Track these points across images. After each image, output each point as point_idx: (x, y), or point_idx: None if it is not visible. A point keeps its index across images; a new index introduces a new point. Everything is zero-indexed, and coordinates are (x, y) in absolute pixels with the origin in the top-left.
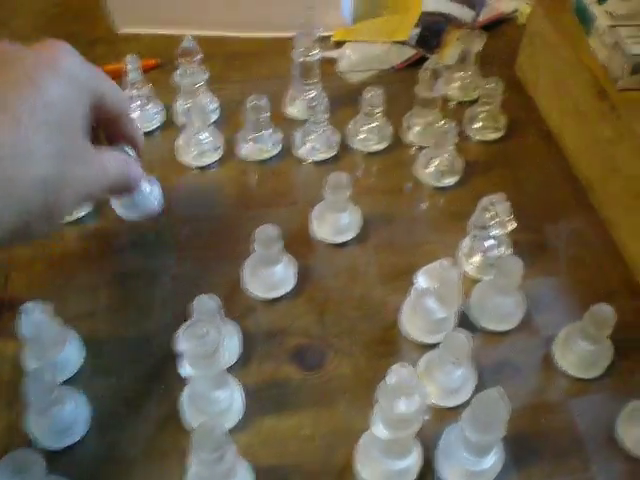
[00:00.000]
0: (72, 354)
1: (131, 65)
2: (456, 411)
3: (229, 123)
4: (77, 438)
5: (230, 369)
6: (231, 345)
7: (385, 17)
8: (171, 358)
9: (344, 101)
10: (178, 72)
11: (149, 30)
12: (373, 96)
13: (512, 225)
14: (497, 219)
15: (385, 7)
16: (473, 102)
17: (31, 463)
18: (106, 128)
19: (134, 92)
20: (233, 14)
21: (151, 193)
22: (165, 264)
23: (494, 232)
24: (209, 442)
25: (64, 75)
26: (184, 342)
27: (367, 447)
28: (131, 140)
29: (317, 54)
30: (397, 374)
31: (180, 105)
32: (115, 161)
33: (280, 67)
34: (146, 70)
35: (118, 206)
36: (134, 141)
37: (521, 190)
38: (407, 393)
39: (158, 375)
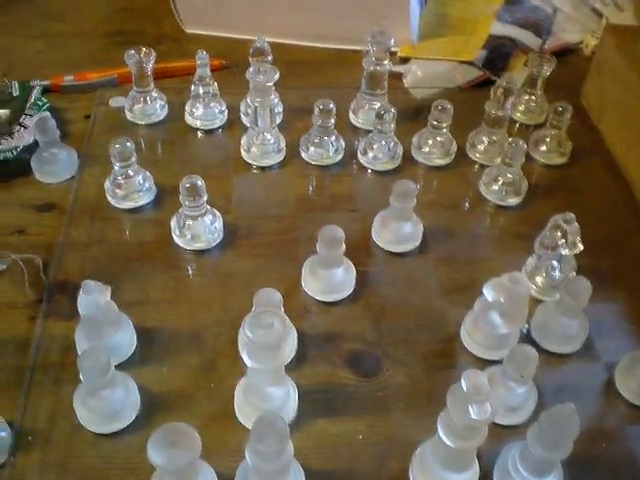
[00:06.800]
0: (125, 339)
1: (201, 61)
2: (515, 430)
3: (289, 128)
4: (124, 425)
5: (285, 367)
6: (288, 342)
7: (450, 37)
8: (223, 354)
9: (406, 115)
10: (251, 70)
11: (214, 32)
12: (442, 110)
13: (580, 247)
14: (566, 239)
15: (450, 27)
16: (537, 126)
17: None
18: None
19: (200, 89)
20: (297, 23)
21: None
22: (222, 259)
23: (562, 252)
24: (271, 434)
25: None
26: (248, 331)
27: (424, 458)
28: None
29: (387, 65)
30: (472, 379)
31: (247, 104)
32: None
33: (339, 78)
34: (212, 69)
35: None
36: None
37: (584, 216)
38: (479, 400)
39: (209, 370)
